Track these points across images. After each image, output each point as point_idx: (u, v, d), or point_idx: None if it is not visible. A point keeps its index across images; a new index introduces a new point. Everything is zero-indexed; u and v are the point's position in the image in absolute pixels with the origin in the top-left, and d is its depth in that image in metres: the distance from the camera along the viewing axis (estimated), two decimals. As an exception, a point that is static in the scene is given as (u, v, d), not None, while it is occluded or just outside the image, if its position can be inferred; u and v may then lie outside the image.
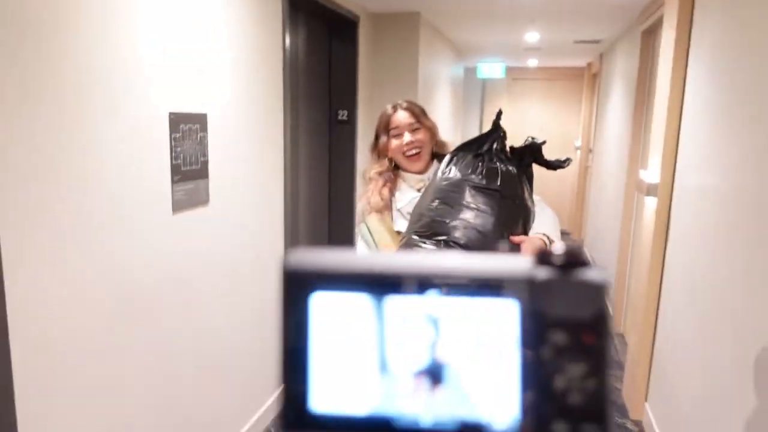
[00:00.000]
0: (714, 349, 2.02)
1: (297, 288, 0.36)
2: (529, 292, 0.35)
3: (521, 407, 0.35)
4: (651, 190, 2.78)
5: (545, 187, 7.88)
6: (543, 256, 0.36)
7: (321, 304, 0.35)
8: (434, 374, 0.35)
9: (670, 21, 2.71)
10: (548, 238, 1.57)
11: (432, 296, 0.36)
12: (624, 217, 4.13)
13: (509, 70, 8.07)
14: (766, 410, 1.57)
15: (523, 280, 0.36)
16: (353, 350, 0.35)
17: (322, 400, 0.36)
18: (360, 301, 0.35)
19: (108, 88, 1.66)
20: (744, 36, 1.93)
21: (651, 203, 2.85)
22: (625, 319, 4.02)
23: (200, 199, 2.15)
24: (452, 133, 6.28)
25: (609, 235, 4.82)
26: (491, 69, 7.31)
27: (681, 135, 2.60)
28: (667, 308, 2.68)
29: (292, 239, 3.26)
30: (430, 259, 0.38)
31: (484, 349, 0.35)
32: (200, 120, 2.12)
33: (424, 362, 0.35)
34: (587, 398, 0.34)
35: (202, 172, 2.15)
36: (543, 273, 0.35)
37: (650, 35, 3.73)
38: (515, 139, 1.69)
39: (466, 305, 0.36)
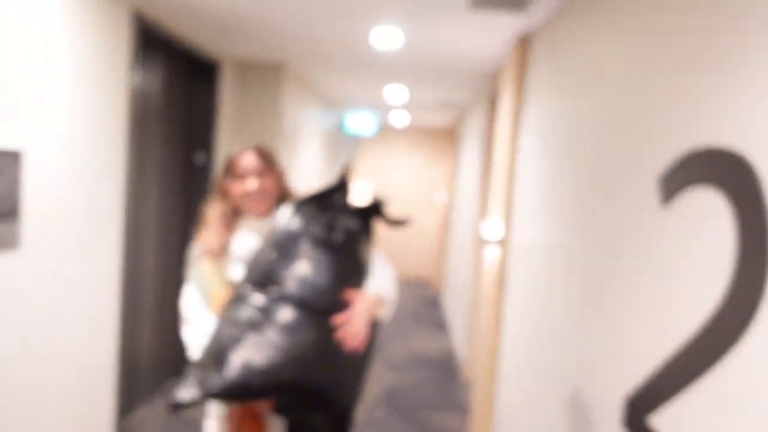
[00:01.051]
0: (542, 394, 2.16)
1: None
2: None
3: None
4: (488, 243, 2.99)
5: (409, 240, 8.22)
6: None
7: None
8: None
9: (505, 89, 3.01)
10: (382, 296, 1.60)
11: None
12: (475, 269, 4.38)
13: (382, 122, 8.39)
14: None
15: None
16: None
17: None
18: None
19: None
20: (562, 102, 2.19)
21: (490, 253, 3.05)
22: (475, 365, 4.21)
23: (5, 241, 1.93)
24: (323, 178, 6.35)
25: (461, 284, 5.08)
26: (364, 122, 7.48)
27: (514, 193, 2.84)
28: (505, 355, 2.85)
29: (134, 285, 3.04)
30: None
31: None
32: (11, 158, 1.93)
33: None
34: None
35: (10, 213, 1.94)
36: None
37: (494, 103, 4.10)
38: (382, 184, 1.72)
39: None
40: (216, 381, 1.28)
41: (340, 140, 8.29)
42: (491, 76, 4.01)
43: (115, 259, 2.66)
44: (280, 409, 1.45)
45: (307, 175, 5.27)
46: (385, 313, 1.63)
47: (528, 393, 2.33)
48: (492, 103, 4.11)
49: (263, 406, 1.43)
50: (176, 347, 3.79)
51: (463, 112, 6.47)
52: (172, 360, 3.79)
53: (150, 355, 3.47)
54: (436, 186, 8.47)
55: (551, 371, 2.06)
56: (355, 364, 1.47)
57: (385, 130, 8.55)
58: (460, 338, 4.78)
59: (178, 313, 3.71)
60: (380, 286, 1.63)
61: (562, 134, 2.11)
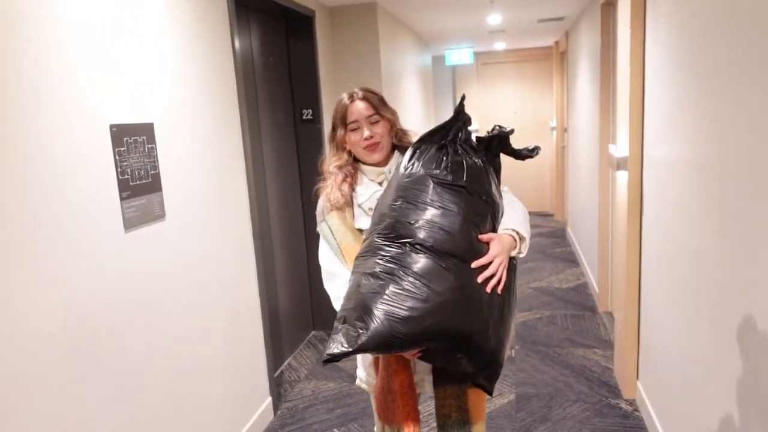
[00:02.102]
0: (692, 321, 1.97)
1: None
2: None
3: None
4: (621, 164, 2.73)
5: (523, 171, 7.89)
6: None
7: None
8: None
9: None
10: (518, 233, 1.50)
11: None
12: (601, 194, 4.09)
13: (478, 55, 8.02)
14: (747, 377, 1.52)
15: None
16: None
17: None
18: None
19: (36, 100, 1.56)
20: (692, 5, 1.88)
21: (623, 178, 2.80)
22: (611, 297, 3.99)
23: (155, 214, 2.06)
24: (424, 121, 6.21)
25: (588, 213, 4.79)
26: (459, 55, 7.24)
27: (645, 106, 2.55)
28: (648, 283, 2.64)
29: (264, 244, 3.18)
30: None
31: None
32: (146, 131, 2.02)
33: None
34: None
35: (154, 186, 2.05)
36: None
37: (609, 8, 3.68)
38: (489, 123, 1.62)
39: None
40: (363, 335, 1.27)
41: (439, 75, 8.04)
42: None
43: (246, 219, 2.76)
44: (426, 356, 1.42)
45: (408, 115, 5.16)
46: (522, 252, 1.52)
47: (677, 320, 2.13)
48: (606, 8, 3.70)
49: (410, 354, 1.41)
50: (309, 300, 3.96)
51: (569, 26, 5.95)
52: (308, 313, 3.97)
53: (286, 310, 3.65)
54: (546, 112, 7.99)
55: (701, 296, 1.86)
56: (499, 307, 1.39)
57: (485, 60, 8.14)
58: (594, 270, 4.55)
59: (305, 267, 3.87)
60: (514, 223, 1.52)
61: (702, 35, 1.81)
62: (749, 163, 1.47)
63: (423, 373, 1.60)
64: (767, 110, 1.37)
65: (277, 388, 3.17)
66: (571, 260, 5.58)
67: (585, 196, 4.98)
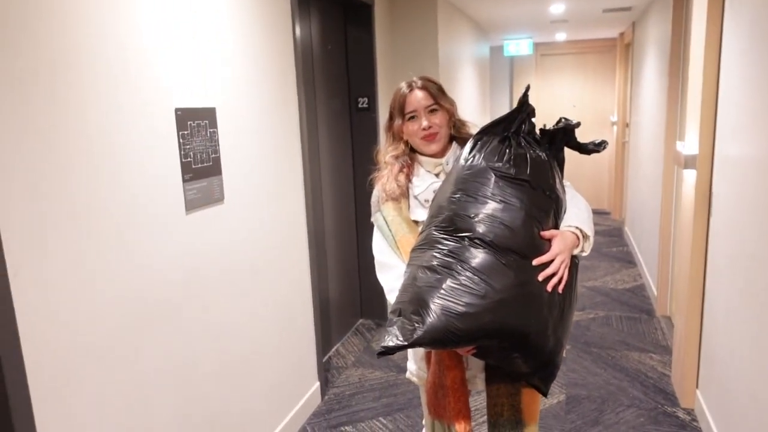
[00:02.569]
0: (764, 330, 1.86)
1: None
2: None
3: None
4: (689, 162, 2.60)
5: (581, 166, 7.67)
6: None
7: None
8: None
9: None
10: (581, 231, 1.45)
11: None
12: (664, 193, 3.92)
13: (537, 45, 7.81)
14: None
15: None
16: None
17: None
18: None
19: (111, 84, 1.61)
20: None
21: (690, 176, 2.66)
22: (671, 300, 3.82)
23: (214, 197, 2.10)
24: (480, 113, 6.11)
25: (649, 212, 4.60)
26: (518, 46, 7.07)
27: (719, 101, 2.41)
28: (713, 287, 2.51)
29: (316, 231, 3.21)
30: None
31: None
32: (209, 115, 2.06)
33: None
34: None
35: (214, 169, 2.10)
36: None
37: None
38: (547, 117, 1.56)
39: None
40: (419, 329, 1.25)
41: (496, 67, 7.88)
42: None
43: (301, 206, 2.79)
44: (481, 353, 1.39)
45: (464, 107, 5.08)
46: (585, 250, 1.47)
47: (748, 329, 2.02)
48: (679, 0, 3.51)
49: (465, 351, 1.38)
50: (359, 289, 3.98)
51: (636, 17, 5.70)
52: (357, 301, 3.99)
53: (336, 297, 3.68)
54: (606, 106, 7.72)
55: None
56: (559, 307, 1.35)
57: (545, 51, 7.93)
58: (652, 272, 4.38)
59: (356, 256, 3.88)
60: (577, 220, 1.46)
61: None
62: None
63: (475, 369, 1.57)
64: None
65: (325, 373, 3.20)
66: (628, 260, 5.38)
67: (646, 195, 4.78)
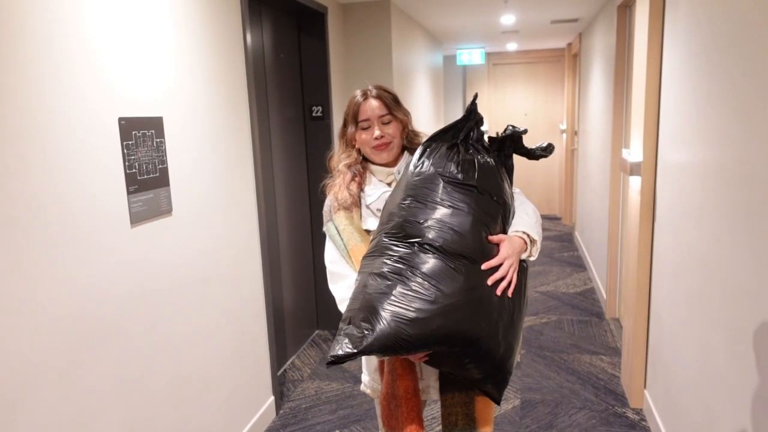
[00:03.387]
0: (706, 330, 1.93)
1: None
2: None
3: None
4: (634, 169, 2.69)
5: (532, 173, 7.84)
6: None
7: None
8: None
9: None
10: (528, 236, 1.47)
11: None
12: (611, 199, 4.04)
13: (489, 55, 7.97)
14: (764, 390, 1.48)
15: None
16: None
17: None
18: None
19: (50, 91, 1.53)
20: (719, 3, 1.83)
21: (636, 183, 2.76)
22: (619, 303, 3.94)
23: (161, 209, 2.03)
24: (434, 121, 6.17)
25: (598, 217, 4.74)
26: (471, 55, 7.19)
27: (661, 110, 2.50)
28: (658, 291, 2.59)
29: (269, 241, 3.15)
30: None
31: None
32: (156, 124, 1.99)
33: None
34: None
35: (161, 180, 2.03)
36: None
37: (626, 9, 3.63)
38: (499, 126, 1.59)
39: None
40: (368, 336, 1.24)
41: (449, 75, 7.99)
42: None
43: (253, 216, 2.74)
44: (433, 361, 1.38)
45: (418, 115, 5.12)
46: (533, 255, 1.49)
47: (691, 330, 2.09)
48: (623, 10, 3.65)
49: (416, 358, 1.38)
50: (314, 299, 3.93)
51: (583, 28, 5.89)
52: (312, 312, 3.95)
53: (291, 308, 3.62)
54: (556, 114, 7.93)
55: (717, 306, 1.82)
56: (509, 311, 1.36)
57: (497, 60, 8.09)
58: (602, 276, 4.50)
59: (311, 265, 3.84)
60: (525, 225, 1.49)
61: (721, 35, 1.77)
62: (764, 168, 1.43)
63: (429, 379, 1.57)
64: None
65: (280, 387, 3.14)
66: (579, 265, 5.53)
67: (595, 201, 4.93)
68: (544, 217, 7.72)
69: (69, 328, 1.62)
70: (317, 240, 3.82)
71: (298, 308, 3.72)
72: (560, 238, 6.66)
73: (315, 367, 3.47)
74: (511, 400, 3.00)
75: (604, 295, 4.22)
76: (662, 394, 2.53)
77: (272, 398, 2.91)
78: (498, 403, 1.46)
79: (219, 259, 2.43)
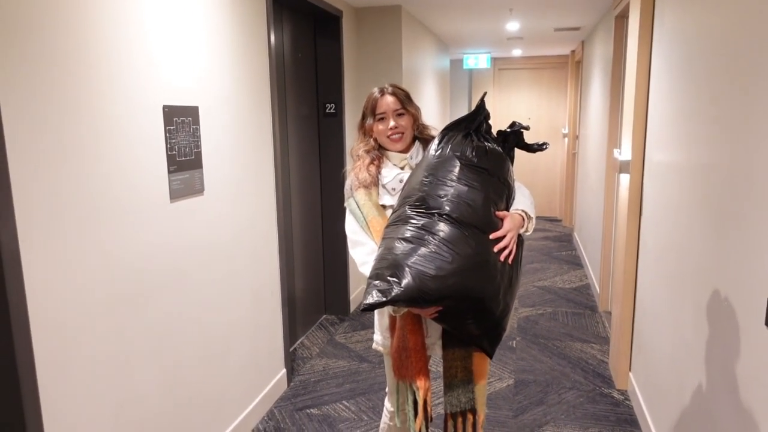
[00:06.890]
0: (678, 310, 2.16)
1: None
2: None
3: None
4: (624, 167, 2.92)
5: (535, 176, 8.08)
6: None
7: None
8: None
9: (635, 4, 2.85)
10: (526, 213, 1.72)
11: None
12: (606, 199, 4.27)
13: (495, 60, 8.20)
14: (719, 356, 1.70)
15: None
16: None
17: None
18: None
19: (105, 83, 1.78)
20: (702, 14, 2.06)
21: (625, 180, 2.99)
22: (611, 296, 4.16)
23: (195, 188, 2.28)
24: (440, 121, 6.41)
25: (594, 217, 4.96)
26: (477, 60, 7.44)
27: (649, 113, 2.73)
28: (643, 280, 2.82)
29: (285, 228, 3.39)
30: None
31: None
32: (192, 113, 2.24)
33: None
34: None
35: (196, 163, 2.27)
36: None
37: (622, 20, 3.87)
38: (503, 127, 1.85)
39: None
40: (395, 288, 1.47)
41: (456, 78, 8.23)
42: (618, -6, 3.77)
43: (272, 202, 2.98)
44: (440, 317, 1.62)
45: (425, 115, 5.35)
46: (529, 230, 1.74)
47: (666, 313, 2.32)
48: (620, 20, 3.88)
49: (427, 313, 1.61)
50: (323, 286, 4.17)
51: (585, 36, 6.13)
52: (321, 297, 4.18)
53: (301, 292, 3.86)
54: (559, 119, 8.17)
55: (686, 288, 2.05)
56: (508, 275, 1.60)
57: (502, 65, 8.33)
58: (596, 271, 4.73)
59: (321, 254, 4.07)
60: (523, 205, 1.74)
61: (700, 49, 2.00)
62: (730, 168, 1.66)
63: (434, 337, 1.81)
64: (751, 122, 1.56)
65: (291, 362, 3.38)
66: (576, 263, 5.75)
67: (592, 201, 5.16)
68: (545, 219, 7.96)
69: (111, 290, 1.86)
70: (327, 230, 4.06)
71: (308, 294, 3.96)
72: (560, 239, 6.89)
73: (323, 347, 3.70)
74: (505, 379, 3.23)
75: (598, 290, 4.45)
76: (644, 375, 2.75)
77: (284, 370, 3.14)
78: (491, 357, 1.70)
79: (242, 238, 2.67)
